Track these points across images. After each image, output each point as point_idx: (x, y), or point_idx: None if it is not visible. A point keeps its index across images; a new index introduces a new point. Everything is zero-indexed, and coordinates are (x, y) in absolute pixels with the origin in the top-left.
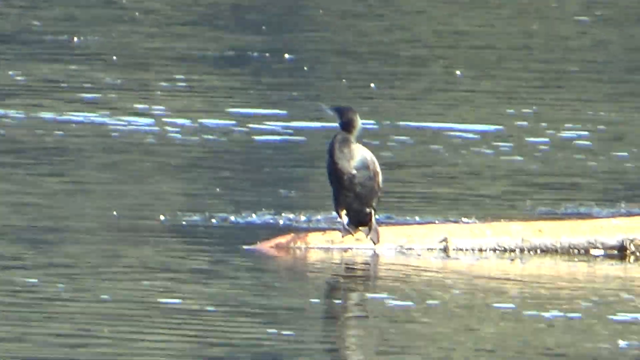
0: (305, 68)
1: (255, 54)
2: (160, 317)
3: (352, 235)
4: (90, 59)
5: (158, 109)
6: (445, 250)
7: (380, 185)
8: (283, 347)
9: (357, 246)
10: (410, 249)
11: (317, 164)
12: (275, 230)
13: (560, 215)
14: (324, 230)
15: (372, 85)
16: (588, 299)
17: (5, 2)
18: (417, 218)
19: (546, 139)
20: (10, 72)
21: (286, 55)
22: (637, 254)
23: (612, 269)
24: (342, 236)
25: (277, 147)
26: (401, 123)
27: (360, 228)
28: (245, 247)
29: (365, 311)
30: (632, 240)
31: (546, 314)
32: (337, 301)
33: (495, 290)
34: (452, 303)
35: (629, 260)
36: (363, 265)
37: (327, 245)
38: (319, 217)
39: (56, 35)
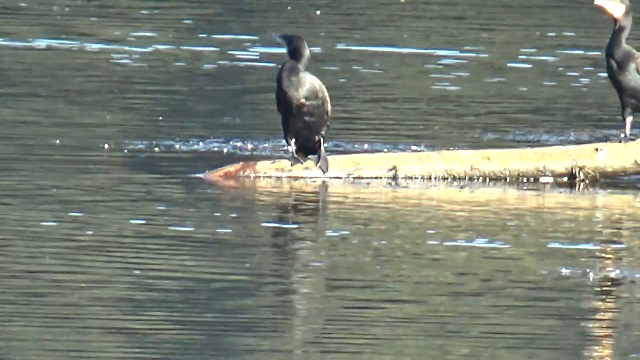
0: None
1: None
2: (99, 249)
3: (301, 163)
4: None
5: (105, 34)
6: (394, 178)
7: (329, 113)
8: (221, 278)
9: (306, 174)
10: (359, 177)
11: (266, 90)
12: (223, 158)
13: (508, 142)
14: (273, 158)
15: (317, 12)
16: (532, 227)
17: None
18: (366, 146)
19: (495, 64)
20: None
21: None
22: (586, 181)
23: (561, 196)
24: (291, 165)
25: (224, 74)
26: (349, 48)
27: (309, 156)
28: (194, 175)
29: (310, 239)
30: (581, 168)
31: (489, 243)
32: (283, 229)
33: (442, 218)
34: (398, 232)
35: (578, 188)
36: (311, 194)
37: (276, 173)
38: (267, 145)
39: None
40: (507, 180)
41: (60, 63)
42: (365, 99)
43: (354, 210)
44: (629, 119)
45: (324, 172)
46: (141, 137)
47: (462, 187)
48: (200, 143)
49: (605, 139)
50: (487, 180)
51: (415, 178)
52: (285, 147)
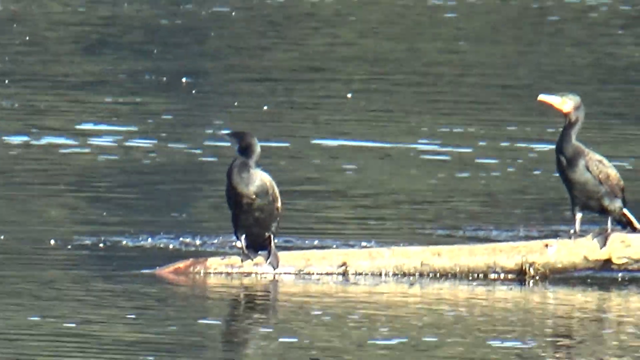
0: (201, 90)
1: (152, 76)
2: (52, 343)
3: (252, 260)
4: None
5: (49, 129)
6: (344, 274)
7: (279, 209)
8: None
9: (257, 271)
10: (309, 273)
11: (216, 187)
12: (173, 254)
13: (459, 239)
14: (223, 254)
15: (265, 107)
16: (481, 323)
17: None
18: (316, 242)
19: (446, 158)
20: None
21: (184, 79)
22: (536, 277)
23: (511, 292)
24: (242, 261)
25: (172, 169)
26: (299, 142)
27: (259, 252)
28: (143, 271)
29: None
30: (531, 264)
31: (438, 339)
32: (232, 328)
33: (392, 314)
34: (347, 328)
35: (528, 284)
36: (262, 291)
37: (226, 269)
38: (217, 241)
39: None
40: (457, 276)
41: (10, 155)
42: (315, 194)
43: (303, 306)
44: (579, 215)
45: (274, 268)
46: (89, 232)
47: (412, 283)
48: (149, 239)
49: (555, 235)
50: (438, 276)
51: (366, 274)
52: (235, 243)
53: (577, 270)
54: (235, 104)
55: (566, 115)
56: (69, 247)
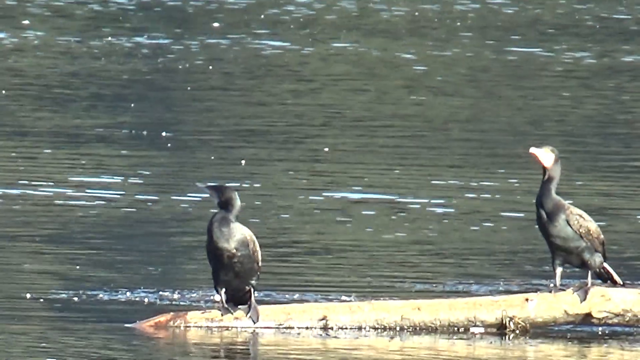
0: (180, 144)
1: (132, 130)
2: None
3: (232, 313)
4: None
5: (27, 181)
6: (324, 328)
7: (260, 263)
8: None
9: (237, 325)
10: (289, 327)
11: (196, 240)
12: (153, 308)
13: (439, 293)
14: (203, 308)
15: (242, 161)
16: None
17: None
18: (296, 296)
19: (425, 212)
20: None
21: (163, 133)
22: (517, 331)
23: (491, 346)
24: (222, 315)
25: (152, 222)
26: (276, 196)
27: (239, 306)
28: (123, 325)
29: None
30: (511, 318)
31: None
32: None
33: None
34: None
35: (508, 338)
36: (242, 345)
37: (206, 323)
38: (197, 295)
39: None
40: (438, 330)
41: None
42: (295, 247)
43: None
44: (559, 270)
45: (254, 322)
46: (66, 286)
47: (392, 337)
48: (128, 293)
49: (535, 289)
50: (418, 330)
51: (346, 328)
52: (214, 297)
53: (558, 325)
54: (212, 157)
55: (546, 169)
56: (45, 300)
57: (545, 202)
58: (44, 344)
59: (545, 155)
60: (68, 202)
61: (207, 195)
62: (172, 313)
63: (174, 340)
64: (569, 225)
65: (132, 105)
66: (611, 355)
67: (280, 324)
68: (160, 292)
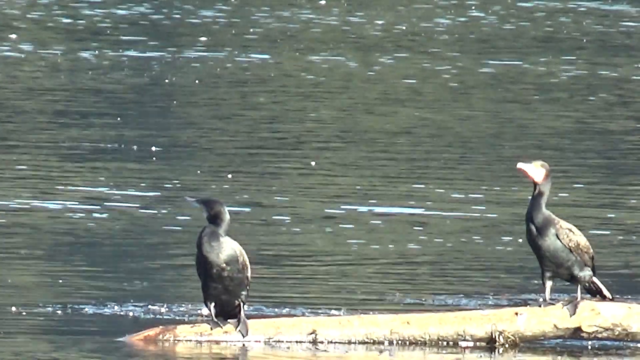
0: (169, 158)
1: (121, 145)
2: None
3: (221, 327)
4: None
5: (15, 194)
6: (314, 342)
7: (249, 278)
8: None
9: (226, 339)
10: (279, 341)
11: (185, 254)
12: (143, 322)
13: (428, 307)
14: (193, 322)
15: (229, 175)
16: None
17: None
18: (285, 310)
19: (415, 224)
20: None
21: (153, 148)
22: (506, 345)
23: None
24: (211, 329)
25: (141, 236)
26: (264, 210)
27: (229, 320)
28: (113, 339)
29: None
30: (501, 332)
31: None
32: None
33: None
34: None
35: (497, 352)
36: (231, 359)
37: (196, 337)
38: (186, 309)
39: None
40: (427, 344)
41: None
42: (285, 261)
43: None
44: (549, 284)
45: (243, 336)
46: (54, 299)
47: (381, 352)
48: (116, 306)
49: (525, 303)
50: (407, 344)
51: (336, 342)
52: (202, 311)
53: (547, 339)
54: (198, 172)
55: (537, 184)
56: (32, 314)
57: (535, 217)
58: (31, 358)
59: (535, 171)
60: (54, 215)
61: (197, 209)
62: (161, 327)
63: (164, 354)
64: (559, 239)
65: (119, 119)
66: None
67: (270, 338)
68: (150, 306)
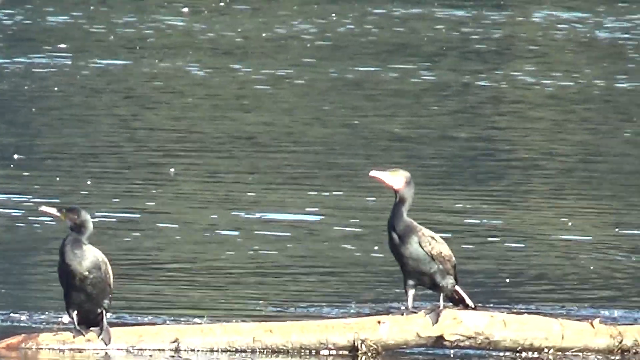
0: (30, 165)
1: None
2: None
3: (84, 335)
4: None
5: None
6: (176, 350)
7: (112, 285)
8: None
9: (89, 347)
10: (142, 349)
11: (47, 262)
12: (4, 330)
13: (290, 316)
14: (55, 330)
15: (88, 182)
16: None
17: None
18: (147, 319)
19: (280, 230)
20: None
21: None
22: (369, 354)
23: None
24: (74, 337)
25: (2, 244)
26: (126, 217)
27: (91, 328)
28: None
29: None
30: (363, 341)
31: None
32: None
33: None
34: None
35: None
36: None
37: (58, 345)
38: (48, 317)
39: None
40: (290, 353)
41: None
42: (147, 269)
43: None
44: (411, 292)
45: (106, 344)
46: None
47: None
48: None
49: (388, 311)
50: (270, 352)
51: (198, 350)
52: (62, 318)
53: (410, 347)
54: (57, 179)
55: (397, 191)
56: None
57: (396, 224)
58: None
59: (393, 178)
60: None
61: (58, 217)
62: (23, 335)
63: None
64: (421, 247)
65: None
66: None
67: (132, 346)
68: (11, 314)
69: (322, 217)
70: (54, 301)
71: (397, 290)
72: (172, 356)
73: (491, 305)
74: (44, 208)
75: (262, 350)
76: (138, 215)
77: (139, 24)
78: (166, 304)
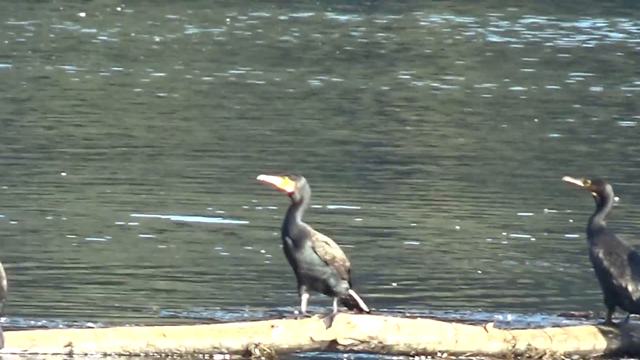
0: None
1: None
2: None
3: None
4: None
5: None
6: (70, 354)
7: (5, 289)
8: None
9: None
10: (35, 353)
11: None
12: None
13: (184, 319)
14: None
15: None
16: None
17: None
18: (41, 322)
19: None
20: None
21: None
22: (262, 358)
23: None
24: None
25: None
26: (19, 219)
27: None
28: None
29: None
30: (256, 345)
31: None
32: None
33: None
34: None
35: None
36: None
37: None
38: None
39: None
40: (183, 357)
41: None
42: (40, 273)
43: None
44: (305, 296)
45: None
46: None
47: None
48: None
49: (281, 315)
50: (164, 356)
51: (92, 354)
52: None
53: (304, 351)
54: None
55: (290, 195)
56: None
57: (290, 229)
58: None
59: (283, 182)
60: None
61: None
62: None
63: None
64: (315, 252)
65: None
66: None
67: (26, 350)
68: None
69: (216, 219)
70: None
71: (291, 294)
72: None
73: (385, 309)
74: None
75: (155, 355)
76: (31, 220)
77: (31, 27)
78: (60, 308)
